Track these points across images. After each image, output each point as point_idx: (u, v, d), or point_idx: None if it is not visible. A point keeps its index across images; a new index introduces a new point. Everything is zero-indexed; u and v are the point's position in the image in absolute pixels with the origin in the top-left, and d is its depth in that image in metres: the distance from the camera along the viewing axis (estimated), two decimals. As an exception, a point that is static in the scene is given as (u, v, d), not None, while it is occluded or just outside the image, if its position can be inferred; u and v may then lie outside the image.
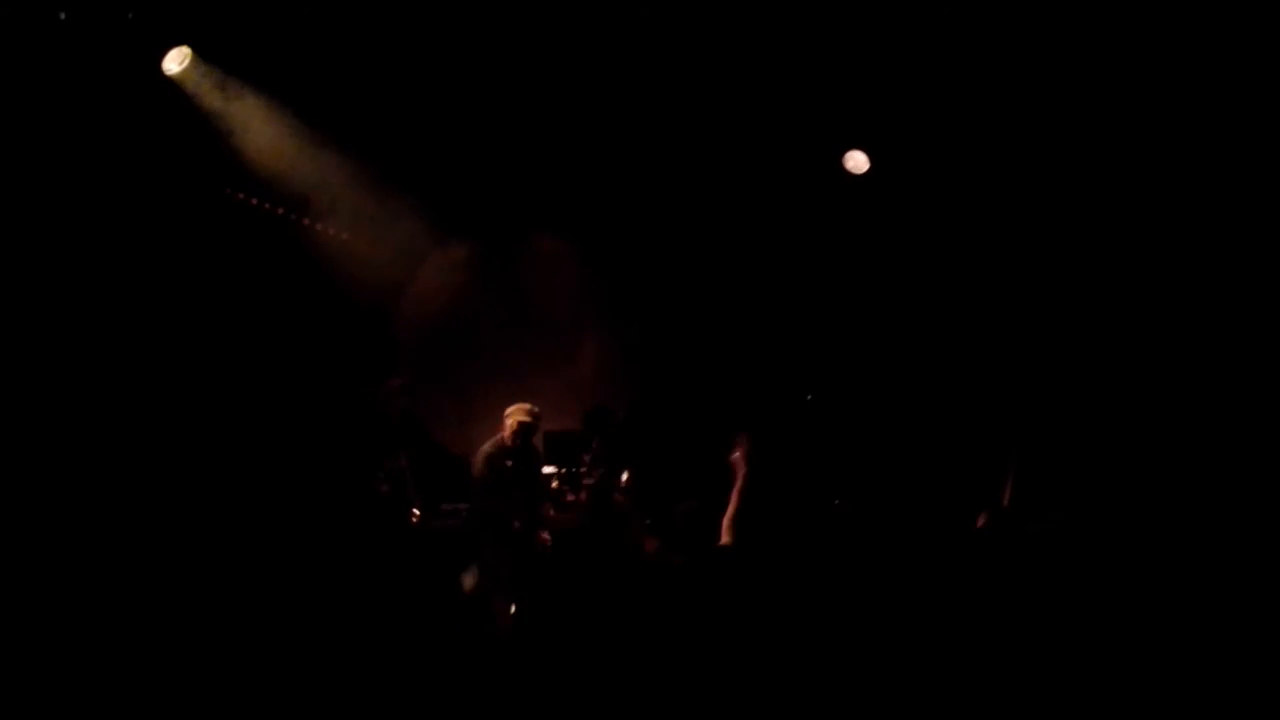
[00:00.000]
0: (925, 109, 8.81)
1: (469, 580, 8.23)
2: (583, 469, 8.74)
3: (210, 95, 8.19)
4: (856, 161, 9.25)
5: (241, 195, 8.66)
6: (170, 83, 7.96)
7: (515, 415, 8.03)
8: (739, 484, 7.72)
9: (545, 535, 8.14)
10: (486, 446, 8.07)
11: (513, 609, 7.86)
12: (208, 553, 7.62)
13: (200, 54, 8.03)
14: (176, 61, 7.95)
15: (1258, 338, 8.06)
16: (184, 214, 8.14)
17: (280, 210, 8.91)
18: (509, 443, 8.03)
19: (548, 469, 8.83)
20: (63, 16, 6.92)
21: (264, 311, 8.69)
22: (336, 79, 8.41)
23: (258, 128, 8.47)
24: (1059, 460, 8.34)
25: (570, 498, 8.76)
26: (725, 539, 7.51)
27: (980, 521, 7.87)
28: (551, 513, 8.50)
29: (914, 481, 8.94)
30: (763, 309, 10.01)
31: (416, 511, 8.22)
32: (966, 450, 8.83)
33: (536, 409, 8.09)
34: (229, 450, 8.19)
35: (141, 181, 7.85)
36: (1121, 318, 8.65)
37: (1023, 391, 8.95)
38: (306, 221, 9.07)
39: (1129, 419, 8.40)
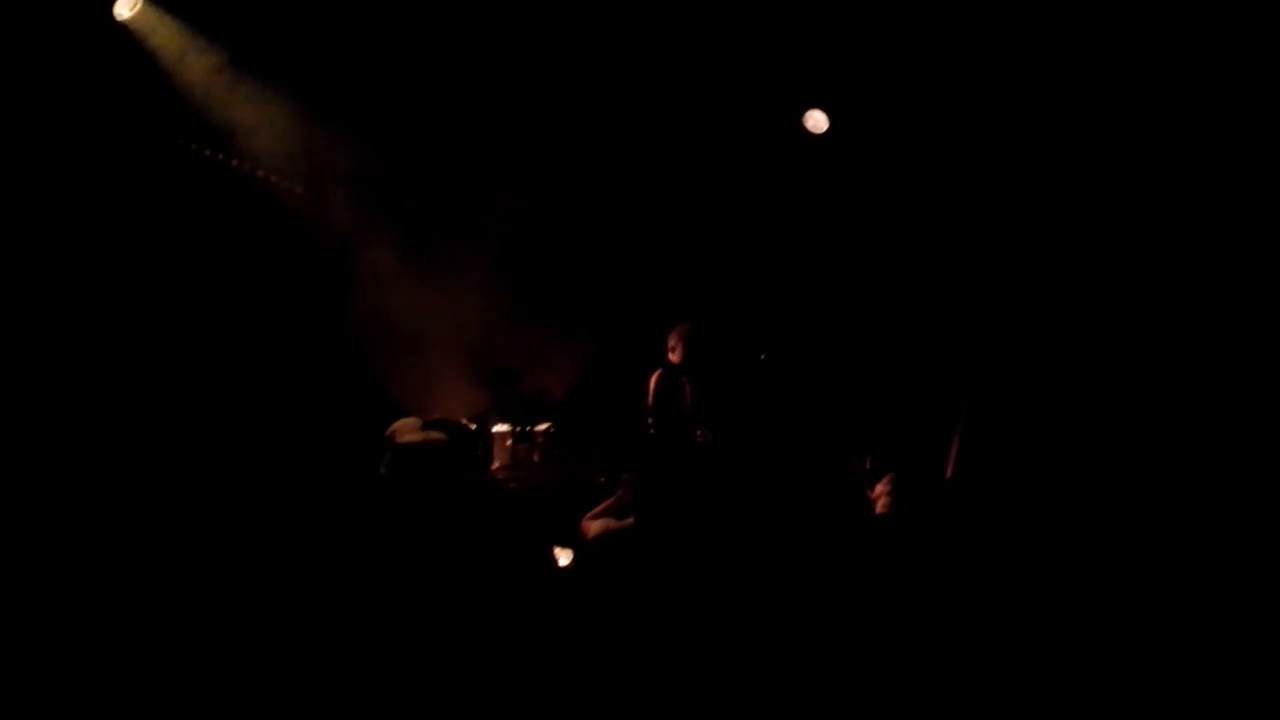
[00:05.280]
0: (887, 68, 8.82)
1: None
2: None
3: (163, 42, 8.04)
4: (816, 121, 9.24)
5: (194, 146, 8.48)
6: (122, 29, 7.82)
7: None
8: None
9: None
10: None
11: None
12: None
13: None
14: (128, 6, 7.80)
15: (1221, 328, 8.14)
16: (140, 166, 7.98)
17: (234, 162, 8.75)
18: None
19: (500, 427, 8.68)
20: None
21: (218, 267, 8.49)
22: (302, 36, 8.33)
23: (214, 80, 8.33)
24: (1009, 427, 8.38)
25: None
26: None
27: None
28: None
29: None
30: (718, 269, 9.99)
31: None
32: (913, 414, 8.84)
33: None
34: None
35: (97, 133, 7.68)
36: (1083, 286, 8.70)
37: (976, 357, 9.01)
38: (261, 173, 8.92)
39: (1087, 392, 8.46)
